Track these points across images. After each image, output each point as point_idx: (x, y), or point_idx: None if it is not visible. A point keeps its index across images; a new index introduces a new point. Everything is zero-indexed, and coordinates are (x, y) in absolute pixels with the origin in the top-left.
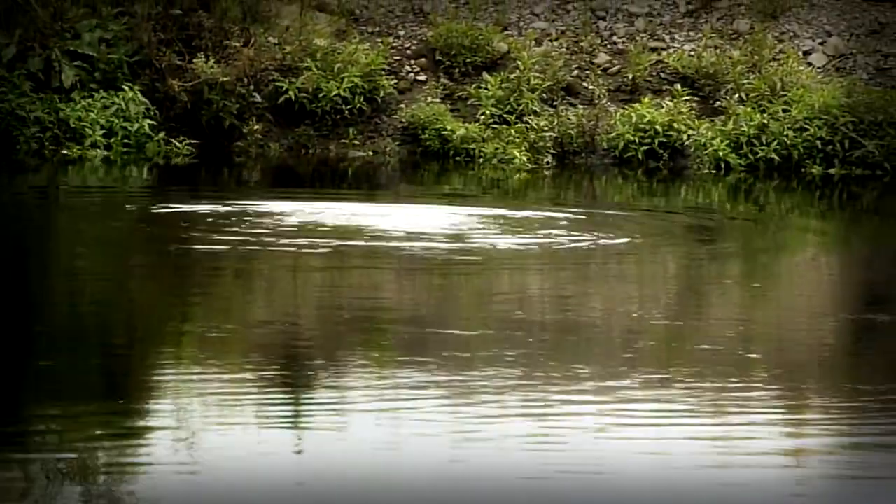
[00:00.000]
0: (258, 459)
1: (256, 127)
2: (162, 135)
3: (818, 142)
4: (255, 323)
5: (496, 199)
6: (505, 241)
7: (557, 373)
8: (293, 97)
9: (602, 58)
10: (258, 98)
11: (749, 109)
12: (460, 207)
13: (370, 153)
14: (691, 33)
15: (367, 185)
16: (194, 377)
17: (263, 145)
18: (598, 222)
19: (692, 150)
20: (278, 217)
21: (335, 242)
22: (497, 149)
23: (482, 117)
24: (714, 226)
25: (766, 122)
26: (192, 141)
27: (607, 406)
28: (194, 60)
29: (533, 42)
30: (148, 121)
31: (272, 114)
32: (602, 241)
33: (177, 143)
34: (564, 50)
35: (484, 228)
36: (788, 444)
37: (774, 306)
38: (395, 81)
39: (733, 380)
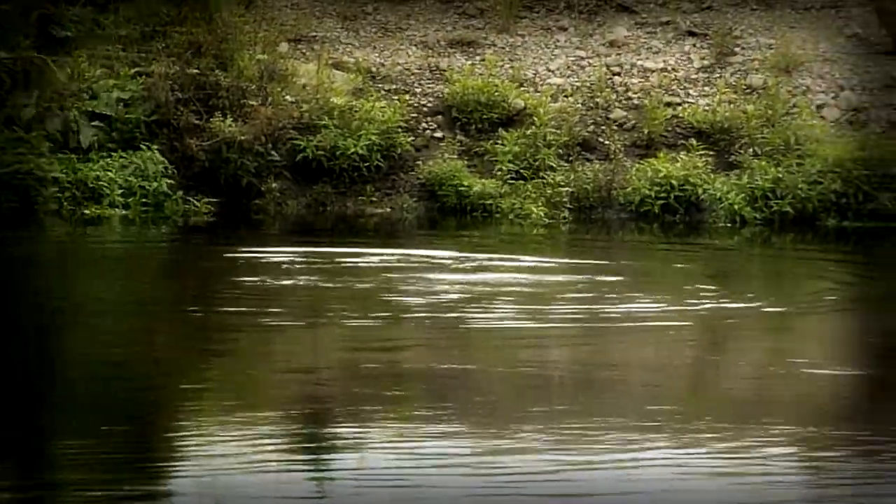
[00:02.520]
0: None
1: (274, 185)
2: (180, 194)
3: (832, 195)
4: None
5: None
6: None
7: None
8: (311, 155)
9: (618, 113)
10: (276, 156)
11: (764, 163)
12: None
13: (388, 210)
14: (706, 88)
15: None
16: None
17: (282, 203)
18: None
19: (708, 203)
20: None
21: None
22: (514, 204)
23: (499, 173)
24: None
25: (780, 175)
26: (211, 199)
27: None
28: (212, 119)
29: (549, 98)
30: (166, 180)
31: (290, 172)
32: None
33: (195, 202)
34: (580, 105)
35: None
36: None
37: None
38: (413, 138)
39: None
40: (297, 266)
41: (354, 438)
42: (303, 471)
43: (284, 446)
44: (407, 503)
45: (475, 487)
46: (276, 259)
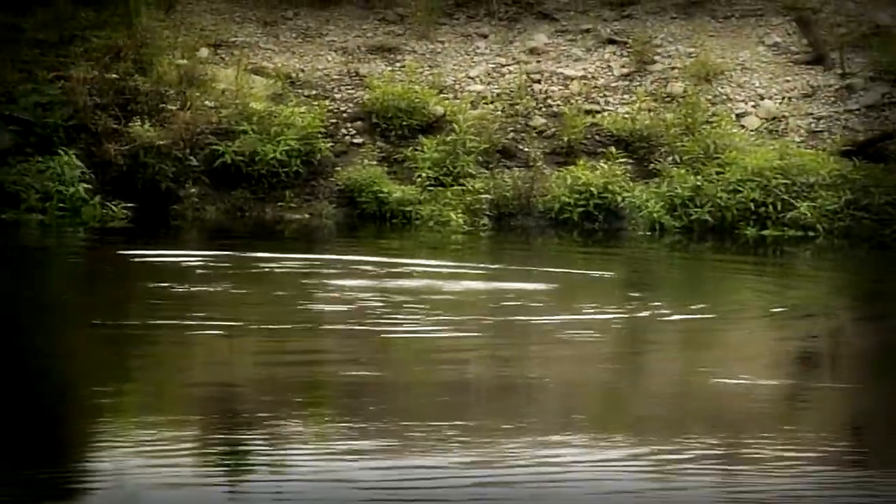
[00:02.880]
0: None
1: (193, 190)
2: (98, 198)
3: (752, 203)
4: None
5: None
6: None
7: None
8: (230, 160)
9: (537, 120)
10: (194, 161)
11: (683, 172)
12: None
13: (307, 216)
14: (626, 96)
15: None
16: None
17: (200, 208)
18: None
19: (627, 211)
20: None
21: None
22: (434, 211)
23: (419, 180)
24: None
25: (700, 184)
26: (129, 204)
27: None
28: (130, 124)
29: (469, 105)
30: (84, 185)
31: (209, 177)
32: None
33: (113, 207)
34: (500, 113)
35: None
36: None
37: None
38: (332, 144)
39: None
40: (215, 272)
41: (270, 453)
42: (219, 485)
43: (200, 459)
44: None
45: (388, 501)
46: (192, 264)
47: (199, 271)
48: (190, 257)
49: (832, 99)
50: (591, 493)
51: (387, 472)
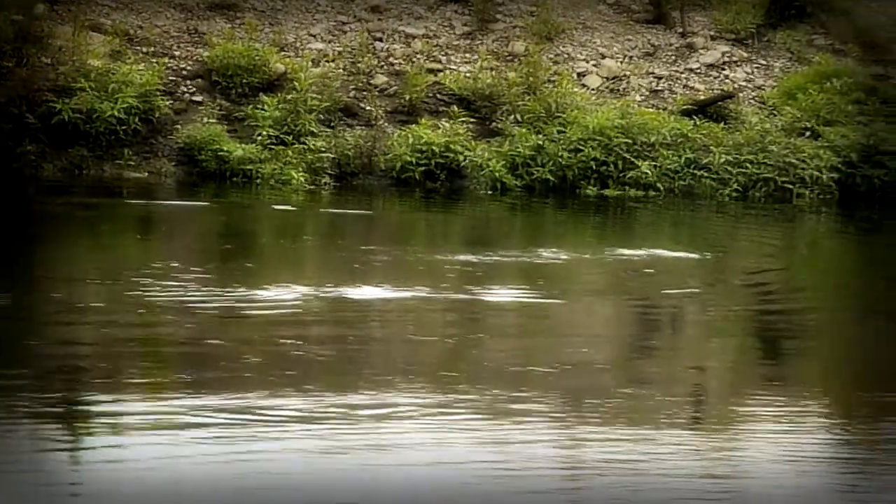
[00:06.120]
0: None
1: (30, 148)
2: None
3: (593, 163)
4: None
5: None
6: None
7: None
8: (67, 118)
9: (380, 79)
10: (31, 119)
11: (525, 131)
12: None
13: (146, 174)
14: (468, 55)
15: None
16: None
17: (37, 166)
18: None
19: (469, 170)
20: None
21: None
22: (275, 170)
23: (259, 138)
24: None
25: (541, 143)
26: None
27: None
28: None
29: (310, 63)
30: None
31: (46, 135)
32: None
33: None
34: (342, 71)
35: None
36: None
37: None
38: (171, 102)
39: None
40: (50, 229)
41: (109, 423)
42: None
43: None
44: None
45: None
46: (29, 222)
47: (35, 230)
48: (25, 215)
49: (673, 58)
50: (434, 466)
51: (225, 448)
